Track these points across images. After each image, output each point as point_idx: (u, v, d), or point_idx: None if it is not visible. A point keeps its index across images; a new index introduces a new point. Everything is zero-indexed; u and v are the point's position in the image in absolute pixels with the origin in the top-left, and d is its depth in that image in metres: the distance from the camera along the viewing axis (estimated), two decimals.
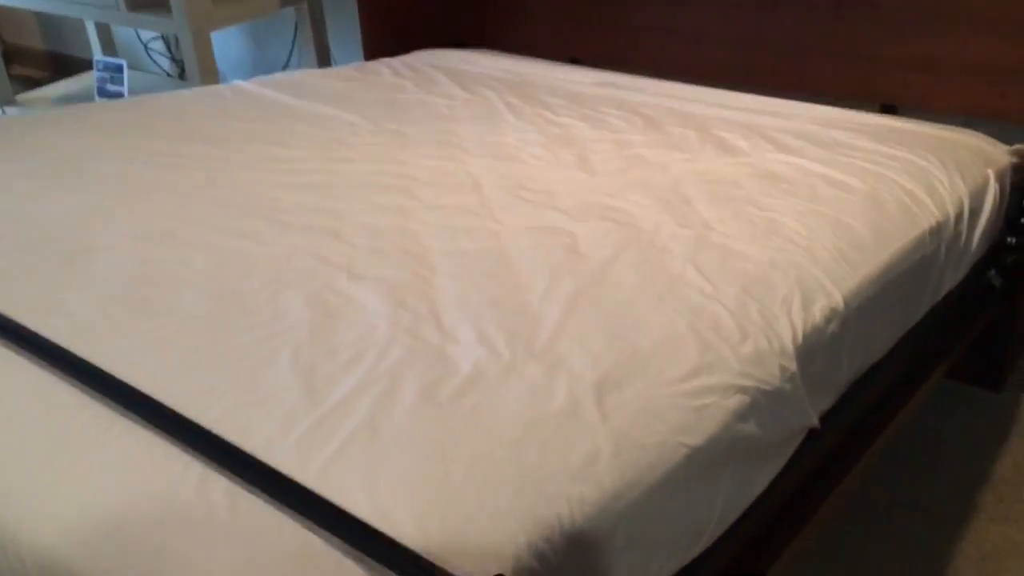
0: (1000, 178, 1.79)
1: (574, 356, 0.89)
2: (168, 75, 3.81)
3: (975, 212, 1.65)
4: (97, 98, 3.36)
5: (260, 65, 3.53)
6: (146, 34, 3.71)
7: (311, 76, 2.21)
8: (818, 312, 1.11)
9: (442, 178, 1.44)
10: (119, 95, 3.31)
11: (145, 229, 1.19)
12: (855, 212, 1.39)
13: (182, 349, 0.88)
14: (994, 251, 1.83)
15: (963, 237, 1.59)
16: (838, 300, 1.15)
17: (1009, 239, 1.88)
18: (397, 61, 2.42)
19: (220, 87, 2.09)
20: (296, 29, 3.28)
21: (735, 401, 0.92)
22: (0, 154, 1.52)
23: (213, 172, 1.44)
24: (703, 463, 0.86)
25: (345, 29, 3.19)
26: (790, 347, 1.03)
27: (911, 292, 1.42)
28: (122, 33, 3.83)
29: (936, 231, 1.47)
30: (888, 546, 1.56)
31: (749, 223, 1.30)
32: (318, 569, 0.61)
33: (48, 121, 1.71)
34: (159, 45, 3.77)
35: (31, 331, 0.88)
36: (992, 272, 1.85)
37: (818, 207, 1.39)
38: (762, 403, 0.95)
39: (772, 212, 1.35)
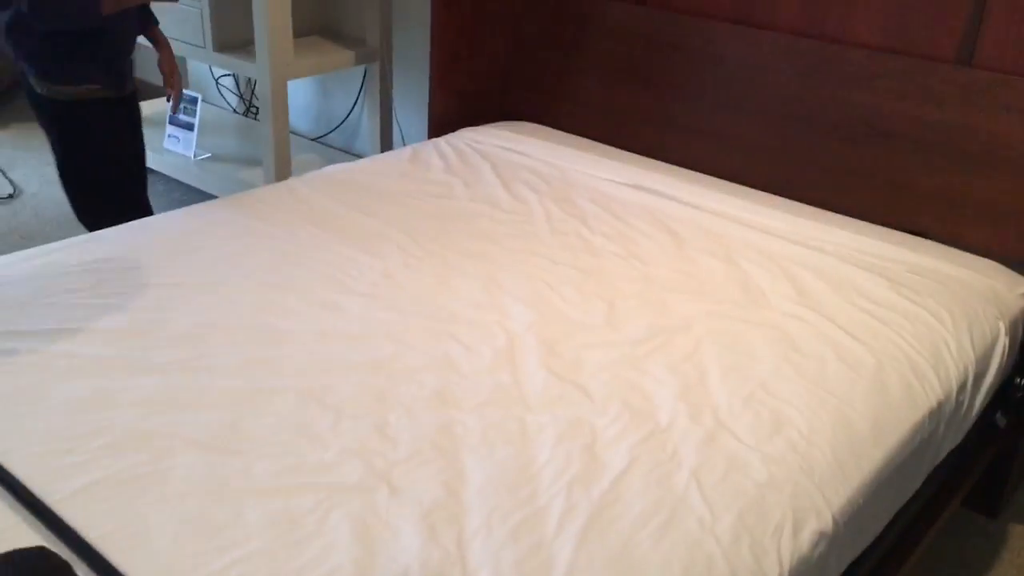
0: (1012, 328, 1.88)
1: None
2: (234, 111, 3.96)
3: (980, 376, 1.75)
4: (168, 125, 3.53)
5: (323, 114, 3.66)
6: (218, 70, 3.85)
7: (363, 171, 2.33)
8: (807, 539, 1.24)
9: (481, 340, 1.58)
10: (190, 126, 3.47)
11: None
12: (858, 399, 1.50)
13: None
14: (1002, 390, 1.92)
15: (965, 405, 1.69)
16: (828, 521, 1.27)
17: (1018, 379, 1.97)
18: (447, 145, 2.53)
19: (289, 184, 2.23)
20: (363, 84, 3.41)
21: None
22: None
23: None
24: None
25: (409, 83, 3.31)
26: None
27: (908, 473, 1.53)
28: (196, 66, 3.98)
29: (936, 411, 1.58)
30: None
31: (756, 416, 1.42)
32: None
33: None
34: (229, 82, 3.91)
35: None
36: (999, 414, 1.95)
37: (823, 392, 1.50)
38: None
39: (779, 400, 1.47)
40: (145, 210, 2.32)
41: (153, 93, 3.76)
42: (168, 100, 2.42)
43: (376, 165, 2.40)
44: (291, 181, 2.25)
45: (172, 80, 2.38)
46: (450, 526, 1.16)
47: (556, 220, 2.11)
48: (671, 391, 1.48)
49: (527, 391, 1.46)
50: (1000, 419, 1.95)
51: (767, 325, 1.70)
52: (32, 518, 1.13)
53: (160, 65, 2.37)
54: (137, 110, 2.29)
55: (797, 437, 1.39)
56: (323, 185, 2.22)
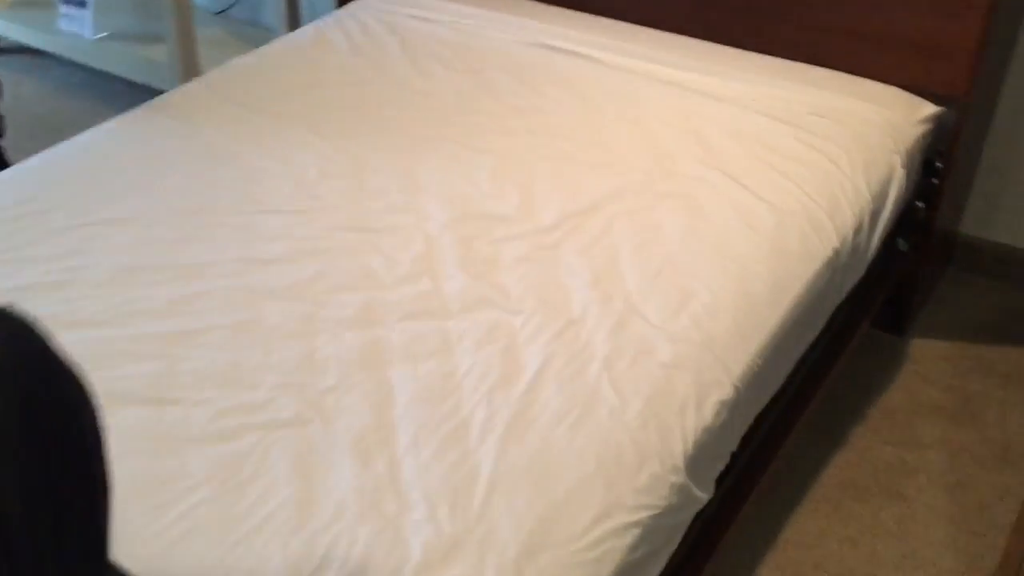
0: (908, 160, 1.96)
1: (503, 521, 1.16)
2: None
3: (877, 213, 1.84)
4: (61, 3, 3.36)
5: None
6: None
7: (266, 63, 2.29)
8: (709, 410, 1.36)
9: (400, 246, 1.63)
10: (83, 3, 3.31)
11: None
12: (758, 261, 1.59)
13: None
14: (902, 216, 2.02)
15: (863, 246, 1.80)
16: (728, 391, 1.39)
17: (918, 203, 2.08)
18: (353, 20, 2.47)
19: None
20: None
21: (629, 537, 1.19)
22: None
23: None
24: None
25: None
26: (680, 462, 1.29)
27: (808, 323, 1.65)
28: None
29: (833, 260, 1.68)
30: (805, 463, 1.87)
31: (663, 295, 1.51)
32: None
33: None
34: None
35: None
36: (900, 239, 2.06)
37: (726, 260, 1.59)
38: (653, 525, 1.23)
39: (685, 275, 1.55)
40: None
41: None
42: None
43: (278, 52, 2.34)
44: (190, 86, 2.20)
45: None
46: (381, 449, 1.26)
47: (467, 98, 2.11)
48: (583, 279, 1.56)
49: (447, 297, 1.53)
50: (902, 244, 2.07)
51: (675, 195, 1.76)
52: None
53: None
54: None
55: (701, 311, 1.49)
56: (225, 86, 2.18)
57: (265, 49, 2.38)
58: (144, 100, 2.14)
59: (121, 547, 1.09)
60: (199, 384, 1.37)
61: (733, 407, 1.40)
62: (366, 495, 1.20)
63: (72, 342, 1.41)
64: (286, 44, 2.40)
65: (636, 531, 1.20)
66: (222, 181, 1.84)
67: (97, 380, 1.35)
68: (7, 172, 1.89)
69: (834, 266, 1.68)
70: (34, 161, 1.93)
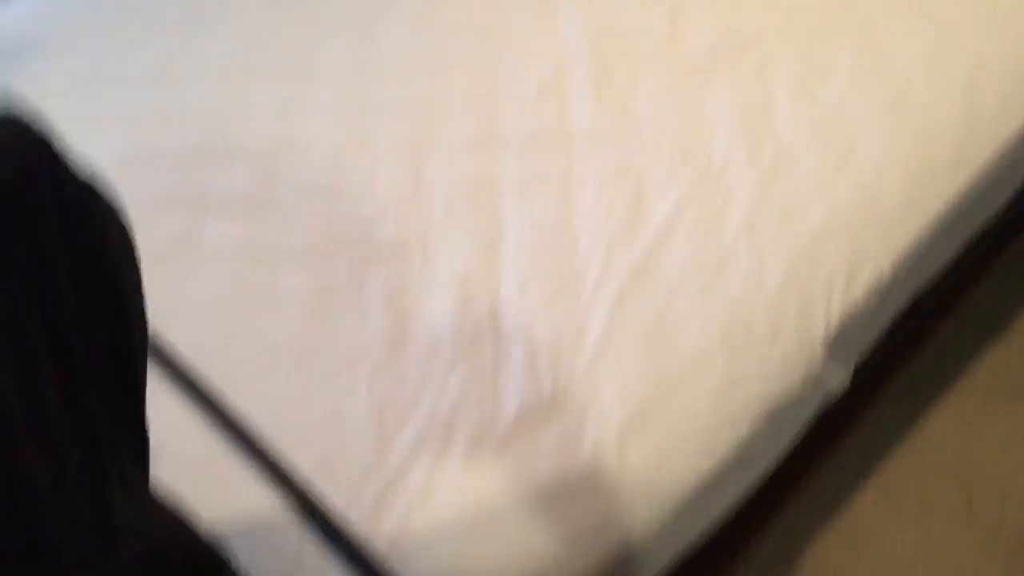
0: None
1: (609, 387, 1.04)
2: None
3: None
4: None
5: None
6: None
7: None
8: (861, 288, 1.18)
9: (528, 65, 1.46)
10: None
11: None
12: (943, 115, 1.35)
13: None
14: None
15: None
16: (887, 268, 1.20)
17: None
18: None
19: None
20: None
21: (748, 421, 1.06)
22: None
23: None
24: (715, 477, 1.03)
25: None
26: (819, 343, 1.13)
27: (991, 194, 1.41)
28: None
29: None
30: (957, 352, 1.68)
31: (823, 148, 1.30)
32: None
33: None
34: None
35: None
36: None
37: (906, 110, 1.35)
38: (778, 410, 1.09)
39: (853, 125, 1.33)
40: None
41: None
42: None
43: None
44: None
45: None
46: (484, 293, 1.15)
47: None
48: (731, 120, 1.35)
49: (573, 129, 1.36)
50: None
51: (851, 31, 1.49)
52: None
53: None
54: None
55: (867, 170, 1.28)
56: None
57: None
58: None
59: (202, 368, 1.04)
60: (297, 199, 1.28)
61: (888, 287, 1.21)
62: (463, 338, 1.10)
63: (170, 138, 1.34)
64: None
65: (758, 416, 1.07)
66: None
67: (192, 182, 1.28)
68: None
69: None
70: None
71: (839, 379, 1.18)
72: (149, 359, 1.06)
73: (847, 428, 1.32)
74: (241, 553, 0.90)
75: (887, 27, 1.48)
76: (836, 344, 1.15)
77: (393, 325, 1.11)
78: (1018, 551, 1.42)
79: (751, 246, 1.19)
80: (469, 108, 1.40)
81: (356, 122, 1.38)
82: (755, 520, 1.20)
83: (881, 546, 1.42)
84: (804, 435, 1.19)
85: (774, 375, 1.09)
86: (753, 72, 1.43)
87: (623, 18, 1.56)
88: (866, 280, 1.18)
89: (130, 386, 0.53)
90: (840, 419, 1.32)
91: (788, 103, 1.38)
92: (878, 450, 1.55)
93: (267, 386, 1.06)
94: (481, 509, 0.93)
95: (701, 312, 1.12)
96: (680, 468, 1.01)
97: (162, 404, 1.03)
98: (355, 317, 1.13)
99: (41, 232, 0.47)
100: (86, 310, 0.48)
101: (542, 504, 0.95)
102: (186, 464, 0.98)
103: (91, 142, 1.36)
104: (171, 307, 1.14)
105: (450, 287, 1.15)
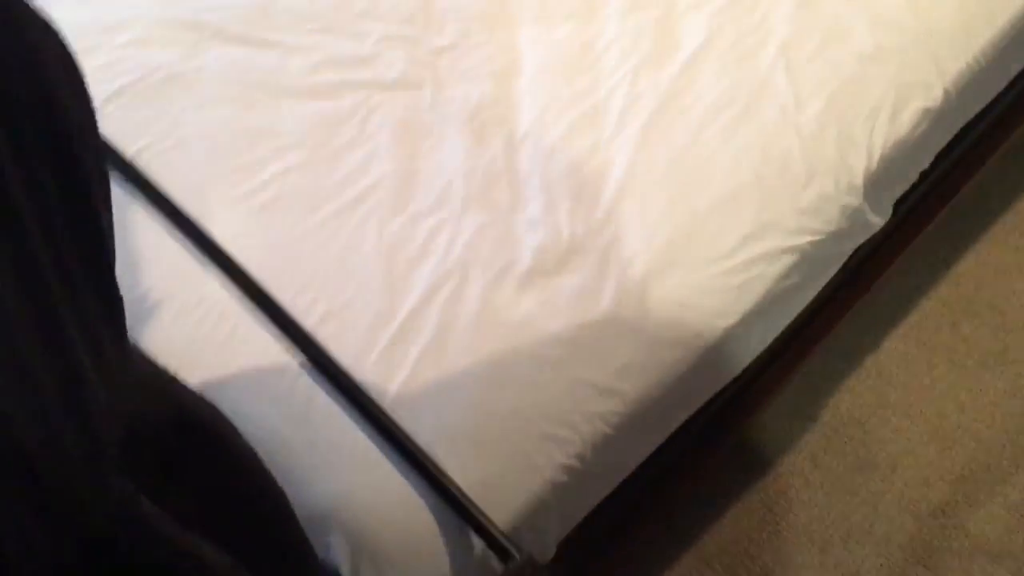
0: None
1: (632, 229, 0.97)
2: None
3: None
4: None
5: None
6: None
7: None
8: (908, 119, 1.09)
9: None
10: None
11: None
12: None
13: None
14: None
15: None
16: (938, 95, 1.11)
17: None
18: None
19: None
20: None
21: (781, 264, 0.99)
22: None
23: None
24: (739, 328, 0.98)
25: None
26: (860, 180, 1.05)
27: None
28: None
29: None
30: (1001, 187, 1.59)
31: None
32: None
33: None
34: None
35: None
36: None
37: None
38: (813, 252, 1.02)
39: None
40: None
41: None
42: None
43: None
44: None
45: None
46: (499, 127, 1.07)
47: None
48: None
49: None
50: None
51: None
52: None
53: None
54: None
55: None
56: None
57: None
58: None
59: (202, 208, 0.98)
60: (299, 26, 1.18)
61: (937, 117, 1.12)
62: (477, 179, 1.03)
63: None
64: None
65: (791, 257, 1.00)
66: None
67: (186, 9, 1.18)
68: None
69: None
70: None
71: (878, 218, 1.11)
72: (146, 203, 1.01)
73: (879, 271, 1.26)
74: (249, 402, 0.88)
75: None
76: (877, 181, 1.07)
77: (402, 165, 1.04)
78: None
79: (789, 74, 1.09)
80: None
81: None
82: (779, 369, 1.16)
83: (908, 390, 1.38)
84: (835, 277, 1.13)
85: (809, 217, 1.01)
86: None
87: None
88: (913, 111, 1.09)
89: (90, 244, 0.47)
90: (874, 259, 1.25)
91: None
92: (911, 294, 1.49)
93: (269, 228, 1.00)
94: (493, 362, 0.89)
95: (733, 147, 1.04)
96: (706, 316, 0.95)
97: (161, 250, 0.98)
98: (361, 155, 1.05)
99: None
100: (19, 140, 0.41)
101: (559, 356, 0.90)
102: (189, 312, 0.94)
103: None
104: (166, 143, 1.07)
105: (462, 122, 1.07)
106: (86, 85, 0.47)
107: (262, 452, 0.78)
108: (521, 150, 1.05)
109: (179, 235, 0.98)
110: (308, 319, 0.93)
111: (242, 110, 1.10)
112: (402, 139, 1.06)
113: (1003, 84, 1.26)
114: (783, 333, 1.09)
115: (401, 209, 1.00)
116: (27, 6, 0.43)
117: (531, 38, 1.15)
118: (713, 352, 0.96)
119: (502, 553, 0.80)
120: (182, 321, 0.93)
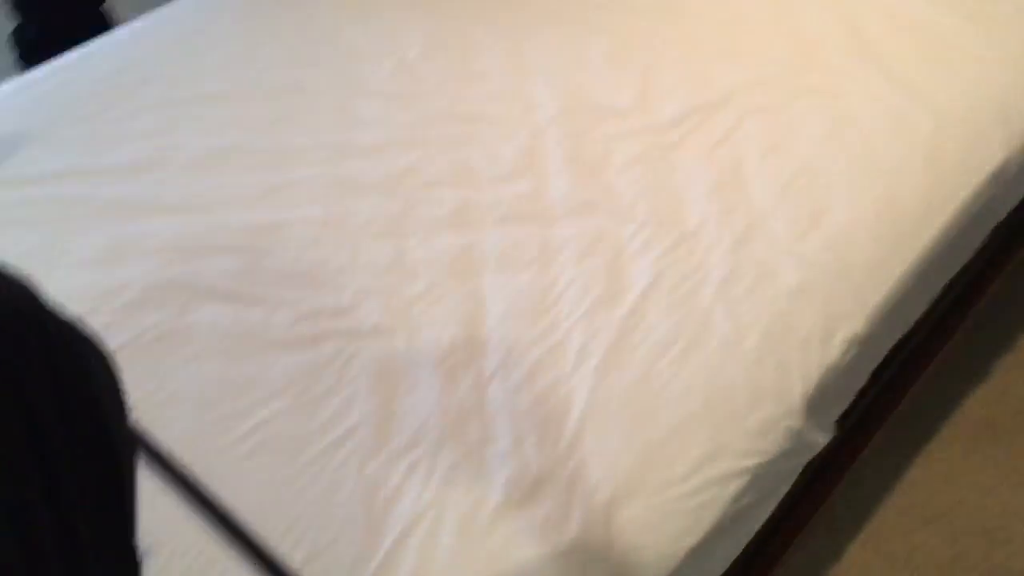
0: None
1: (594, 459, 1.05)
2: None
3: None
4: None
5: None
6: None
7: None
8: (837, 347, 1.20)
9: (503, 138, 1.50)
10: None
11: None
12: (909, 173, 1.39)
13: None
14: None
15: None
16: (860, 324, 1.23)
17: None
18: None
19: None
20: None
21: (735, 485, 1.07)
22: None
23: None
24: (701, 548, 1.04)
25: None
26: (798, 404, 1.14)
27: (961, 246, 1.44)
28: None
29: (998, 175, 1.45)
30: (938, 399, 1.69)
31: (793, 210, 1.34)
32: None
33: None
34: None
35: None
36: None
37: (872, 169, 1.39)
38: (763, 472, 1.10)
39: (821, 186, 1.37)
40: None
41: None
42: None
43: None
44: None
45: None
46: (468, 368, 1.17)
47: None
48: (703, 186, 1.39)
49: (550, 200, 1.39)
50: None
51: (817, 91, 1.54)
52: None
53: None
54: None
55: (836, 231, 1.31)
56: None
57: None
58: None
59: (189, 457, 1.05)
60: (282, 283, 1.30)
61: (864, 343, 1.24)
62: (449, 418, 1.11)
63: (156, 230, 1.36)
64: None
65: (743, 479, 1.08)
66: (321, 58, 1.72)
67: (179, 272, 1.30)
68: (100, 41, 1.82)
69: (998, 183, 1.45)
70: (127, 31, 1.85)
71: (821, 437, 1.20)
72: (140, 456, 1.08)
73: (833, 483, 1.34)
74: None
75: (851, 90, 1.53)
76: (816, 403, 1.17)
77: (380, 408, 1.13)
78: None
79: (727, 310, 1.21)
80: (447, 183, 1.43)
81: (336, 203, 1.41)
82: None
83: None
84: (791, 493, 1.21)
85: (756, 440, 1.10)
86: (721, 137, 1.47)
87: (595, 85, 1.60)
88: (841, 339, 1.21)
89: (119, 514, 0.54)
90: (826, 474, 1.33)
91: (757, 166, 1.41)
92: (866, 503, 1.56)
93: (254, 473, 1.07)
94: None
95: (682, 379, 1.14)
96: (668, 538, 1.02)
97: (155, 500, 1.04)
98: (340, 400, 1.14)
99: (29, 377, 0.48)
100: (74, 446, 0.50)
101: None
102: (178, 559, 0.98)
103: (74, 236, 1.39)
104: (159, 398, 1.15)
105: (434, 364, 1.17)
106: (120, 380, 0.56)
107: None
108: (489, 388, 1.14)
109: (171, 485, 1.04)
110: (293, 560, 0.98)
111: (230, 363, 1.19)
112: (379, 383, 1.16)
113: (922, 309, 1.39)
114: (745, 550, 1.15)
115: (379, 450, 1.08)
116: (75, 324, 0.52)
117: (495, 285, 1.27)
118: (677, 574, 1.01)
119: None
120: (173, 566, 0.97)
